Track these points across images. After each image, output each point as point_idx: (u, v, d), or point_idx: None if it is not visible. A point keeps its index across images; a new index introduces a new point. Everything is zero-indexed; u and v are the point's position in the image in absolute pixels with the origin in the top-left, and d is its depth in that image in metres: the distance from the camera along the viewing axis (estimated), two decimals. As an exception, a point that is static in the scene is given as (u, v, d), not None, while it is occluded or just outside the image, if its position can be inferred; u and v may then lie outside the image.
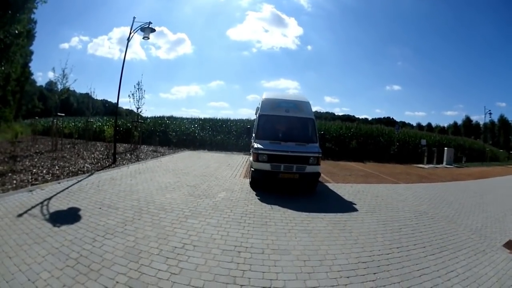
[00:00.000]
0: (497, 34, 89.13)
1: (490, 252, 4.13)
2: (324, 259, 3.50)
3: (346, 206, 6.16)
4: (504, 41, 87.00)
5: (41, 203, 5.01)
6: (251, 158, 7.57)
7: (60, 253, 3.24)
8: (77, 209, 4.79)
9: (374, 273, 3.21)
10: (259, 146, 7.07)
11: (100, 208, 4.88)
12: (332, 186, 8.44)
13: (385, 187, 8.80)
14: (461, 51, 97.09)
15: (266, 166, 6.83)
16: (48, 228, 3.93)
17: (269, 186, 7.27)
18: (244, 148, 17.81)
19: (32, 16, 24.61)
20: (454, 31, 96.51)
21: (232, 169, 10.28)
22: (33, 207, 4.78)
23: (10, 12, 16.92)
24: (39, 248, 3.33)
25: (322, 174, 10.04)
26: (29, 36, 26.36)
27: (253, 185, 7.49)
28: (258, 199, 6.17)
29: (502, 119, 55.29)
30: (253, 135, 7.89)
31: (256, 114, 8.51)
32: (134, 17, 10.24)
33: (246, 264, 3.25)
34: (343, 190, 7.87)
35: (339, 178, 9.90)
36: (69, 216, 4.45)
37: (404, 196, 7.64)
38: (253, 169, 7.17)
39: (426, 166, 15.81)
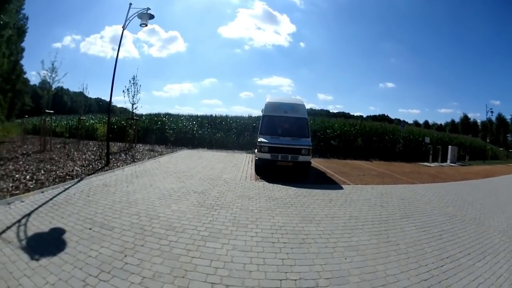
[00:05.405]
0: (491, 32, 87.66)
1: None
2: (386, 283, 2.88)
3: (378, 212, 5.50)
4: (498, 39, 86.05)
5: (19, 221, 3.99)
6: (256, 150, 8.85)
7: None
8: (62, 231, 3.77)
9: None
10: (262, 140, 8.47)
11: (90, 229, 3.87)
12: (351, 188, 7.69)
13: (405, 188, 8.22)
14: (455, 48, 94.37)
15: (267, 156, 8.23)
16: (24, 262, 2.94)
17: (270, 173, 8.32)
18: (246, 146, 16.77)
19: (24, 12, 22.98)
20: (448, 28, 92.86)
21: (239, 170, 9.38)
22: (8, 227, 3.77)
23: None
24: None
25: (336, 175, 9.94)
26: (20, 32, 24.40)
27: (257, 171, 8.75)
28: (281, 210, 5.23)
29: (500, 118, 54.53)
30: (259, 131, 9.22)
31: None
32: (131, 4, 8.99)
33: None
34: (366, 192, 7.20)
35: (355, 179, 9.23)
36: (52, 242, 3.45)
37: (427, 197, 7.21)
38: (257, 158, 8.57)
39: (432, 165, 15.48)
